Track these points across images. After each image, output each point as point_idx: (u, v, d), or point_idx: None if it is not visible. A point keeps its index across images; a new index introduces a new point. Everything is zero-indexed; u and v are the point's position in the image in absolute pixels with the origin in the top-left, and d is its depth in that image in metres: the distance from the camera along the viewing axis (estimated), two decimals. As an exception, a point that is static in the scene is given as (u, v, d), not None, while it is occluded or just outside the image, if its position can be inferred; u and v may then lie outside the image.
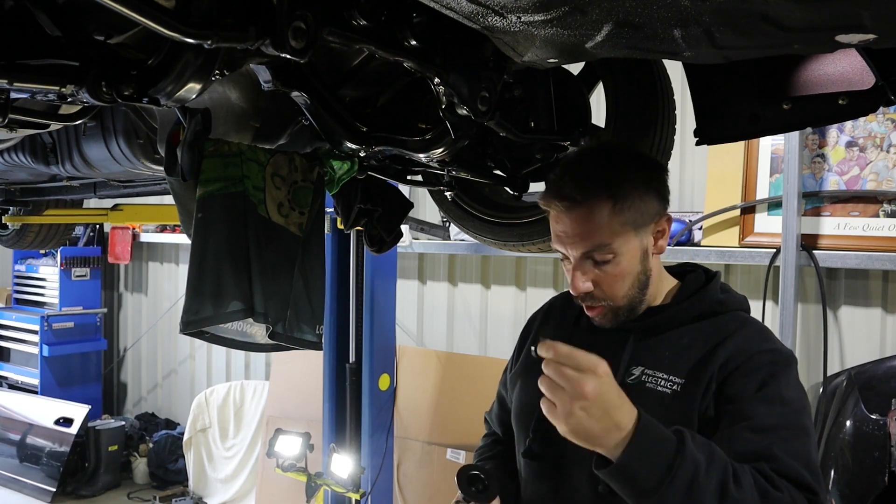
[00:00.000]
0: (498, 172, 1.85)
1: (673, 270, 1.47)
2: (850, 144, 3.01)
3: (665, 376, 1.30)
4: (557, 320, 1.55)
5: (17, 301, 6.54)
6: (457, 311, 4.47)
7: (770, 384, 1.22)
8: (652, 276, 1.37)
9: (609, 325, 1.38)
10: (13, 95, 1.15)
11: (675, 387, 1.28)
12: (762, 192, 3.17)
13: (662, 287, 1.41)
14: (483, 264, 4.33)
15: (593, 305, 1.35)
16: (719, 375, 1.26)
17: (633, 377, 1.33)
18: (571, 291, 1.36)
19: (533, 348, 1.13)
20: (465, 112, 1.27)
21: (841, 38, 0.87)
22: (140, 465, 5.63)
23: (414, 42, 1.18)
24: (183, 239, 5.54)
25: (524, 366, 1.53)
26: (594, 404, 1.06)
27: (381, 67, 1.47)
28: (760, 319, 3.14)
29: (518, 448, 1.49)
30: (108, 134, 1.80)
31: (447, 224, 4.07)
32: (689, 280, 1.42)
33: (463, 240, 3.91)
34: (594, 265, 1.31)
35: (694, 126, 1.54)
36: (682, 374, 1.29)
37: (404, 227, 3.13)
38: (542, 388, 1.10)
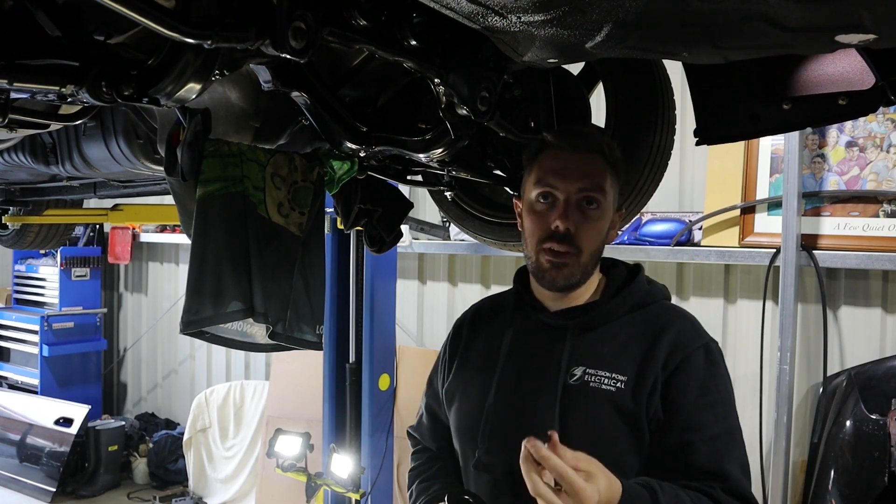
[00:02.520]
0: (498, 172, 1.85)
1: None
2: (850, 144, 3.01)
3: (608, 374, 1.32)
4: (489, 326, 1.53)
5: (17, 301, 6.54)
6: (457, 311, 4.47)
7: (710, 387, 1.32)
8: (599, 258, 1.42)
9: (562, 283, 1.37)
10: (13, 95, 1.15)
11: (619, 384, 1.31)
12: (762, 192, 3.17)
13: (592, 280, 1.43)
14: (483, 264, 4.33)
15: (562, 250, 1.35)
16: (662, 375, 1.31)
17: (575, 377, 1.34)
18: (551, 228, 1.34)
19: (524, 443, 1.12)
20: (465, 112, 1.27)
21: (841, 38, 0.87)
22: (140, 465, 5.63)
23: (414, 42, 1.18)
24: (183, 239, 5.53)
25: (462, 378, 1.50)
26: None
27: (381, 67, 1.47)
28: (761, 320, 3.16)
29: (467, 461, 1.45)
30: (108, 134, 1.80)
31: (447, 224, 4.06)
32: (613, 274, 1.45)
33: (463, 240, 3.91)
34: (581, 210, 1.35)
35: (694, 126, 1.54)
36: (625, 371, 1.32)
37: (404, 227, 3.13)
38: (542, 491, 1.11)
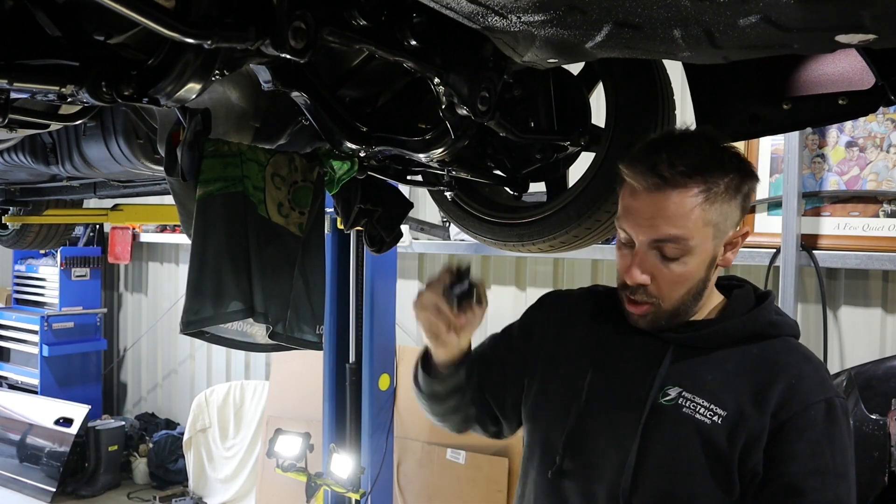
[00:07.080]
0: (498, 172, 1.85)
1: (717, 284, 1.33)
2: (850, 144, 3.01)
3: (706, 404, 1.18)
4: (591, 315, 1.38)
5: (17, 301, 6.54)
6: (457, 311, 4.45)
7: (824, 450, 1.15)
8: (708, 287, 1.26)
9: (645, 328, 1.26)
10: (13, 95, 1.15)
11: (715, 418, 1.17)
12: (762, 192, 3.16)
13: (709, 301, 1.29)
14: (483, 264, 4.32)
15: (639, 301, 1.23)
16: (772, 424, 1.16)
17: (668, 398, 1.21)
18: (625, 279, 1.23)
19: None
20: (465, 112, 1.27)
21: (841, 38, 0.87)
22: (140, 465, 5.63)
23: (414, 42, 1.18)
24: (183, 239, 5.53)
25: (556, 364, 1.36)
26: None
27: (381, 67, 1.47)
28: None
29: (543, 464, 1.31)
30: (108, 134, 1.80)
31: (447, 224, 4.06)
32: (737, 296, 1.30)
33: (463, 240, 3.91)
34: (659, 258, 1.19)
35: (694, 126, 1.54)
36: (726, 406, 1.18)
37: (404, 227, 3.13)
38: None
